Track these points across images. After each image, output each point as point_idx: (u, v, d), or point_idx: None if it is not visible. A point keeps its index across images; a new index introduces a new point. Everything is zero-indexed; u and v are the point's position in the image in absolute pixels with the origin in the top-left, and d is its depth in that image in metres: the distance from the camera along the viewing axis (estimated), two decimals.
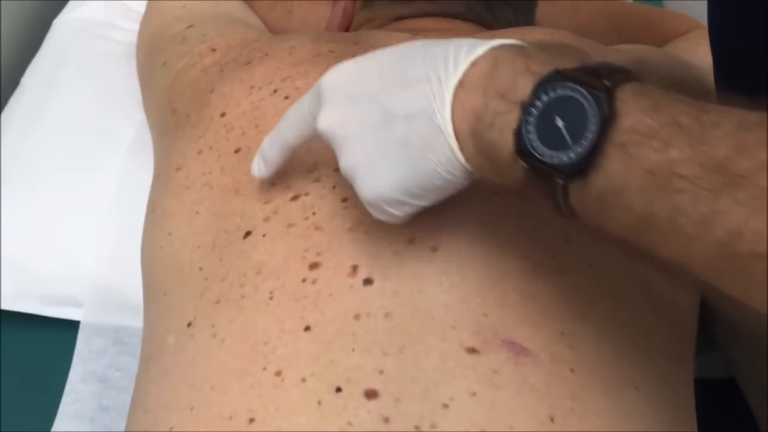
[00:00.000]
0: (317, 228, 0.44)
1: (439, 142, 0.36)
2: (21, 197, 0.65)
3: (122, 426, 0.48)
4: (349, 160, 0.39)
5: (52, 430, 0.59)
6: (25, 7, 0.85)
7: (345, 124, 0.39)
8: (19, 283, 0.63)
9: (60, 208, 0.65)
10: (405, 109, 0.37)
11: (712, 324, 0.55)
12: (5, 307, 0.63)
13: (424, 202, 0.39)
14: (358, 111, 0.38)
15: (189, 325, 0.45)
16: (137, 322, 0.61)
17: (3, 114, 0.72)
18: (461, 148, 0.36)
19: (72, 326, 0.63)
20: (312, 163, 0.47)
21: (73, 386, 0.60)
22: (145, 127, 0.66)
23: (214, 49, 0.58)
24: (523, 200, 0.45)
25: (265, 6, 0.73)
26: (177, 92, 0.58)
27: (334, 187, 0.46)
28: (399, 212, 0.39)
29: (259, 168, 0.46)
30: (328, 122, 0.39)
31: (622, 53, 0.61)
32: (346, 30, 0.68)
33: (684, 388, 0.44)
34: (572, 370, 0.40)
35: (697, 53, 0.66)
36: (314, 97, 0.41)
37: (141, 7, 0.74)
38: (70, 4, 0.81)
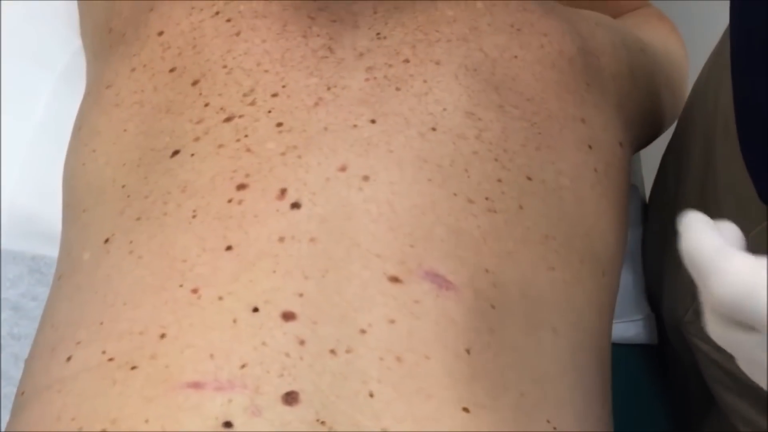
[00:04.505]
0: (248, 150, 0.43)
1: None
2: None
3: None
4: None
5: None
6: None
7: None
8: None
9: None
10: None
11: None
12: None
13: None
14: None
15: (106, 241, 0.43)
16: (56, 251, 0.59)
17: None
18: None
19: None
20: (249, 86, 0.46)
21: None
22: (81, 55, 0.64)
23: None
24: (460, 139, 0.45)
25: None
26: (116, 12, 0.55)
27: (269, 111, 0.45)
28: None
29: None
30: None
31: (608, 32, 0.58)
32: None
33: (601, 338, 0.45)
34: (493, 307, 0.40)
35: (645, 31, 0.67)
36: None
37: None
38: None
